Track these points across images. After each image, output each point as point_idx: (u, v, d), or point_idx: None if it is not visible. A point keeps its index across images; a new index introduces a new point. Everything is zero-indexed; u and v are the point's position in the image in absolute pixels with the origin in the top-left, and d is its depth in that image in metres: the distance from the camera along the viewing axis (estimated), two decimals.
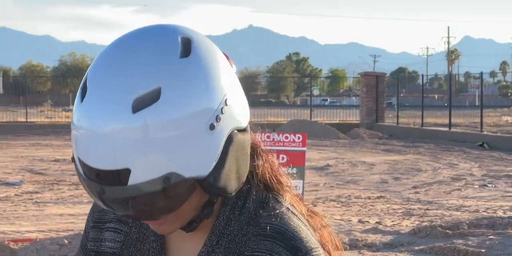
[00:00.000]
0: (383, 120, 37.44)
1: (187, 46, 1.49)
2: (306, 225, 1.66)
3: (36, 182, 16.16)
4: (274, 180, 1.68)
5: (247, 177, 1.62)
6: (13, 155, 22.56)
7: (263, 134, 10.34)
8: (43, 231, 10.85)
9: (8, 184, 15.82)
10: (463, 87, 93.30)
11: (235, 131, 1.54)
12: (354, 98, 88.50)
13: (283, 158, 10.19)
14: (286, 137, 10.34)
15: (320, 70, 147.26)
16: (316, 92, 77.16)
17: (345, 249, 9.98)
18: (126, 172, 1.42)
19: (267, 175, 1.67)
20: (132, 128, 1.41)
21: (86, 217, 1.81)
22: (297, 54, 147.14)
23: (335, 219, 12.39)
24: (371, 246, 10.15)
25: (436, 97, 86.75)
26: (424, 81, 44.56)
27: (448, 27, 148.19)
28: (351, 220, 12.29)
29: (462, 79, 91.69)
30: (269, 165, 1.68)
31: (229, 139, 1.52)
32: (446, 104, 44.51)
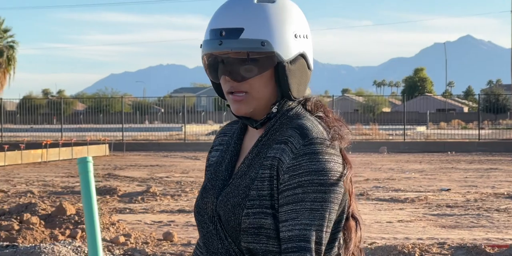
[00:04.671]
0: None
1: None
2: (325, 128, 2.29)
3: None
4: (315, 108, 2.40)
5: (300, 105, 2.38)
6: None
7: None
8: None
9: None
10: None
11: (305, 55, 2.30)
12: None
13: None
14: None
15: None
16: None
17: None
18: (241, 30, 2.22)
19: (313, 106, 2.40)
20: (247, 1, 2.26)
21: None
22: None
23: None
24: None
25: None
26: None
27: None
28: None
29: None
30: (315, 105, 2.39)
31: (302, 55, 2.29)
32: None
